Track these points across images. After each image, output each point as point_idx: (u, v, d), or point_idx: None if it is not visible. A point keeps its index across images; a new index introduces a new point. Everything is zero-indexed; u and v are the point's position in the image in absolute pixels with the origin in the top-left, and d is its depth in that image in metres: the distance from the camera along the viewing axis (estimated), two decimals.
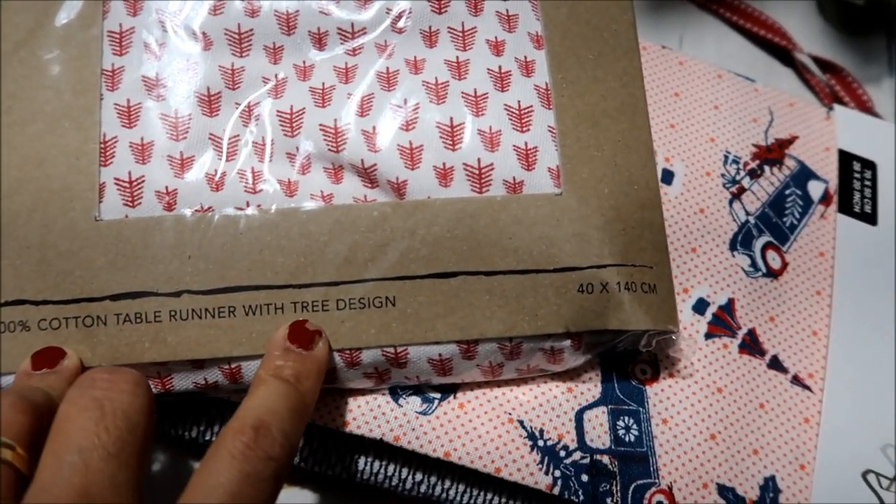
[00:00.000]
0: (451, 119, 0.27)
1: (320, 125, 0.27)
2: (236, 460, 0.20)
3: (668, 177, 0.32)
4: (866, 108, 0.39)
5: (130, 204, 0.27)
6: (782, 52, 0.41)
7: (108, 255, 0.26)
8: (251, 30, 0.28)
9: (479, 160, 0.27)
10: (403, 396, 0.29)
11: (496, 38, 0.28)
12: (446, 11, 0.29)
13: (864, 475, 0.30)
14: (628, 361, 0.30)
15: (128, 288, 0.26)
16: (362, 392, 0.29)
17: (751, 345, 0.31)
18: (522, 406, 0.29)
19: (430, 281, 0.26)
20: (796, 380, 0.31)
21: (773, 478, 0.29)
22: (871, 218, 0.34)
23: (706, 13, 0.42)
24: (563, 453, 0.28)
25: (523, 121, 0.28)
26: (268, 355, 0.24)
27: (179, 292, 0.26)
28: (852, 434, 0.30)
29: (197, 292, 0.26)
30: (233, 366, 0.26)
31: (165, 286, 0.26)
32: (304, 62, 0.28)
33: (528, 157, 0.27)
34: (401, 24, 0.29)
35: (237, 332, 0.26)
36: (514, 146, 0.27)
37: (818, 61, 0.40)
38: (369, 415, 0.28)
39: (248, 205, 0.27)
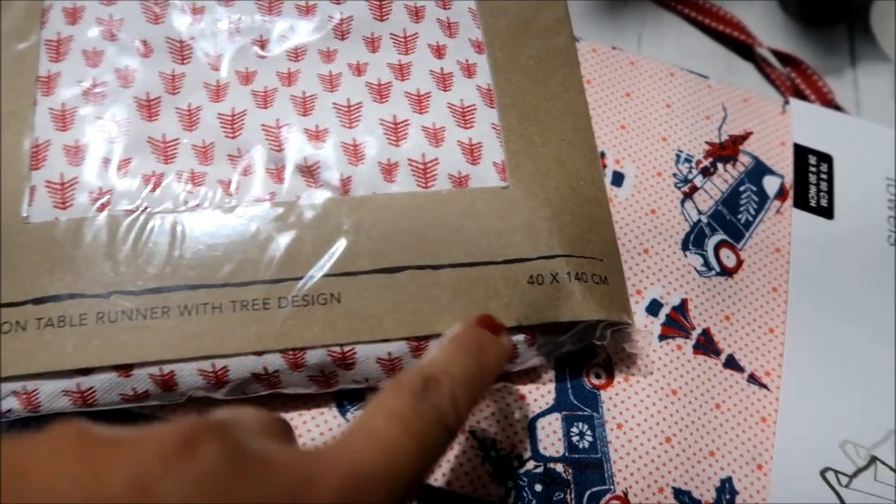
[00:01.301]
0: (395, 116, 0.27)
1: (262, 125, 0.27)
2: (406, 396, 0.18)
3: (618, 179, 0.33)
4: (827, 99, 0.40)
5: (61, 206, 0.26)
6: (742, 47, 0.42)
7: (35, 258, 0.25)
8: (192, 37, 0.28)
9: (423, 155, 0.27)
10: (351, 410, 0.27)
11: (438, 42, 0.29)
12: (388, 19, 0.29)
13: (823, 473, 0.30)
14: (582, 366, 0.29)
15: (53, 291, 0.24)
16: (307, 406, 0.27)
17: (705, 345, 0.31)
18: (474, 416, 0.28)
19: (377, 276, 0.26)
20: (753, 378, 0.31)
21: (729, 479, 0.29)
22: (827, 212, 0.34)
23: (665, 10, 0.43)
24: (515, 463, 0.27)
25: (466, 118, 0.28)
26: (448, 331, 0.22)
27: (109, 293, 0.24)
28: (810, 432, 0.30)
29: (128, 293, 0.24)
30: (164, 371, 0.24)
31: (94, 287, 0.24)
32: (246, 68, 0.28)
33: (472, 152, 0.27)
34: (343, 29, 0.29)
35: (170, 333, 0.24)
36: (459, 141, 0.27)
37: (778, 55, 0.42)
38: (315, 431, 0.27)
39: (185, 204, 0.26)
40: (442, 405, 0.19)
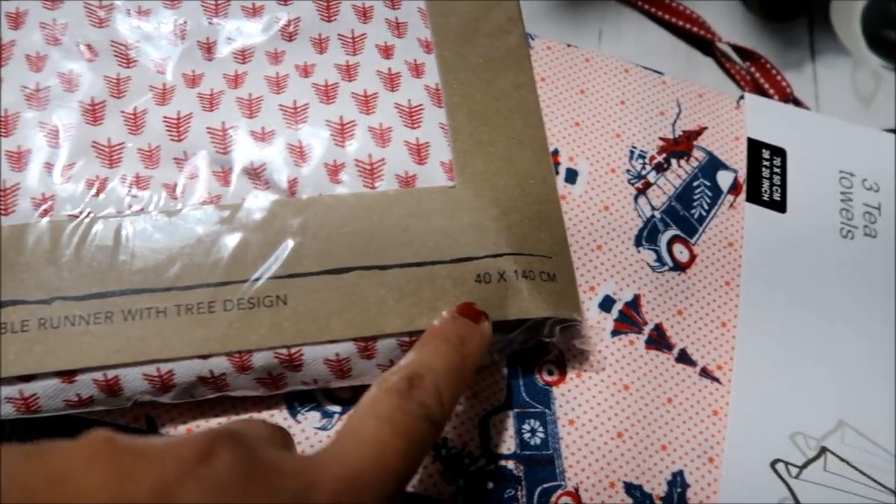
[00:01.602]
0: (341, 117, 0.28)
1: (208, 128, 0.27)
2: (393, 396, 0.20)
3: (572, 176, 0.33)
4: (786, 94, 0.41)
5: (3, 212, 0.25)
6: (703, 43, 0.43)
7: None
8: (138, 41, 0.28)
9: (370, 156, 0.27)
10: (302, 412, 0.28)
11: (385, 42, 0.29)
12: (336, 19, 0.29)
13: (773, 464, 0.30)
14: (535, 363, 0.30)
15: None
16: (257, 408, 0.27)
17: (658, 340, 0.31)
18: None
19: (324, 277, 0.26)
20: (705, 372, 0.31)
21: (681, 472, 0.29)
22: (780, 205, 0.34)
23: (625, 6, 0.43)
24: (466, 461, 0.28)
25: (414, 118, 0.28)
26: (431, 325, 0.24)
27: (51, 299, 0.24)
28: (761, 424, 0.30)
29: (71, 298, 0.24)
30: (109, 376, 0.24)
31: (36, 293, 0.24)
32: (192, 71, 0.28)
33: (419, 152, 0.28)
34: (290, 31, 0.29)
35: (114, 338, 0.24)
36: (406, 142, 0.28)
37: (737, 50, 0.42)
38: None
39: (129, 208, 0.26)
40: (427, 401, 0.20)
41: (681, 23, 0.43)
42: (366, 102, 0.28)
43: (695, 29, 0.43)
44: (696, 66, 0.43)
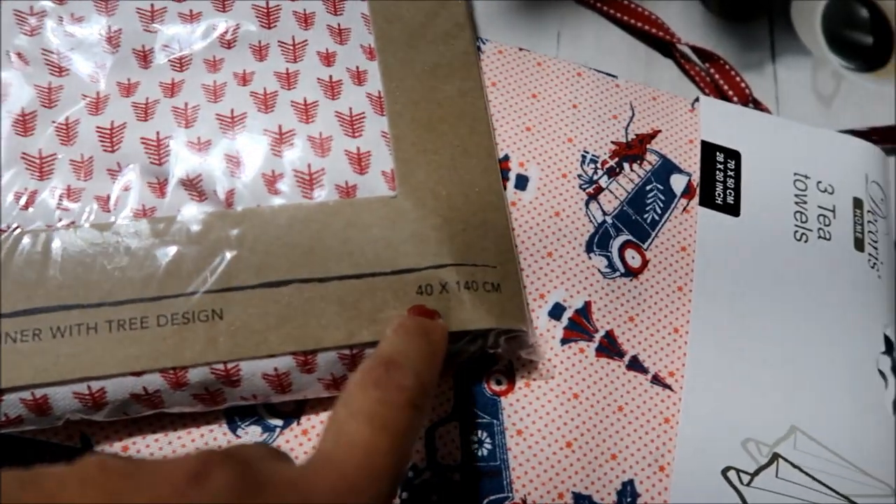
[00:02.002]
0: (280, 127, 0.27)
1: (142, 139, 0.27)
2: (370, 389, 0.20)
3: (522, 182, 0.33)
4: (745, 95, 0.41)
5: None
6: (662, 44, 0.43)
7: None
8: (71, 49, 0.28)
9: (309, 166, 0.27)
10: (242, 426, 0.27)
11: (327, 49, 0.29)
12: (276, 26, 0.29)
13: (724, 472, 0.30)
14: (483, 373, 0.29)
15: None
16: (196, 423, 0.27)
17: (609, 347, 0.31)
18: None
19: (261, 291, 0.25)
20: (656, 379, 0.31)
21: (631, 482, 0.29)
22: (733, 209, 0.34)
23: (584, 8, 0.43)
24: (411, 474, 0.27)
25: (355, 127, 0.28)
26: (390, 325, 0.24)
27: None
28: (712, 431, 0.30)
29: None
30: (37, 395, 0.24)
31: None
32: (128, 79, 0.28)
33: (360, 162, 0.27)
34: (229, 38, 0.29)
35: (43, 356, 0.24)
36: (346, 151, 0.27)
37: (697, 51, 0.42)
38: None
39: (59, 221, 0.25)
40: (406, 383, 0.20)
41: (640, 24, 0.43)
42: (305, 111, 0.27)
43: (654, 30, 0.43)
44: (655, 67, 0.43)
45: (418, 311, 0.25)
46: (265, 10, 0.29)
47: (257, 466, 0.17)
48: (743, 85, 0.41)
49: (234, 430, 0.27)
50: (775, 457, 0.31)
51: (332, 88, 0.28)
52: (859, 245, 0.35)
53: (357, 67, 0.29)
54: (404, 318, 0.24)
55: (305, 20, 0.29)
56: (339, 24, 0.29)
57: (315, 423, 0.27)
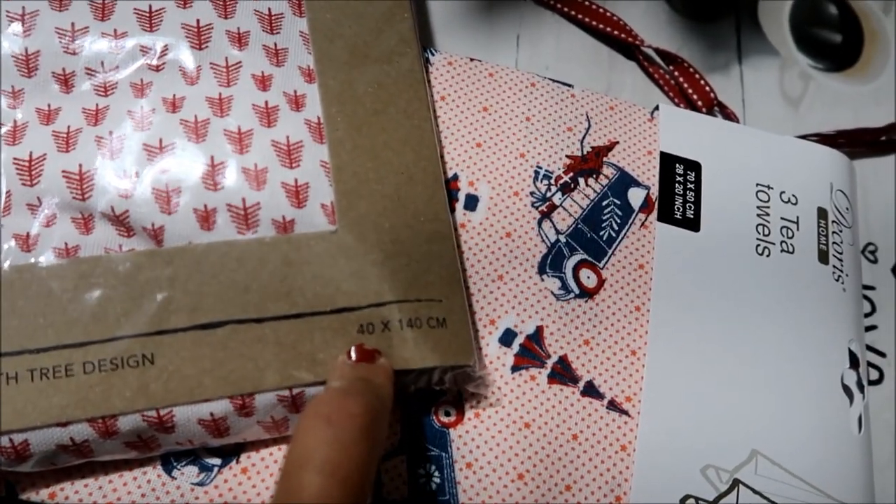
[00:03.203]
0: (212, 158, 0.26)
1: (63, 171, 0.26)
2: (320, 430, 0.20)
3: (472, 202, 0.32)
4: (710, 99, 0.40)
5: None
6: (625, 47, 0.42)
7: None
8: None
9: (243, 200, 0.26)
10: (178, 467, 0.27)
11: (263, 72, 0.28)
12: (207, 47, 0.28)
13: (683, 501, 0.30)
14: (431, 404, 0.29)
15: None
16: (129, 466, 0.26)
17: (562, 373, 0.31)
18: None
19: (194, 333, 0.25)
20: (613, 405, 0.31)
21: None
22: (693, 224, 0.34)
23: (543, 10, 0.42)
24: None
25: (292, 157, 0.27)
26: (331, 373, 0.25)
27: None
28: (670, 458, 0.30)
29: None
30: None
31: None
32: (48, 105, 0.27)
33: (298, 195, 0.26)
34: (157, 61, 0.27)
35: None
36: (283, 183, 0.26)
37: (661, 53, 0.41)
38: (136, 493, 0.26)
39: None
40: (356, 409, 0.21)
41: (602, 26, 0.42)
42: (239, 140, 0.27)
43: (616, 32, 0.42)
44: (618, 71, 0.42)
45: (358, 353, 0.25)
46: (195, 30, 0.28)
47: None
48: (707, 89, 0.41)
49: (168, 472, 0.26)
50: (736, 483, 0.31)
51: (268, 115, 0.27)
52: (823, 258, 0.35)
53: (295, 91, 0.28)
54: (344, 370, 0.24)
55: (239, 40, 0.28)
56: (275, 44, 0.28)
57: (255, 461, 0.27)
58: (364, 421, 0.21)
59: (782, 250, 0.35)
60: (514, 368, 0.30)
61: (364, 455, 0.20)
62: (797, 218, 0.36)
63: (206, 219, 0.26)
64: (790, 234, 0.35)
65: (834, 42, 0.46)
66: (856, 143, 0.42)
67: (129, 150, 0.26)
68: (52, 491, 0.26)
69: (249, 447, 0.27)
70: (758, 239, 0.35)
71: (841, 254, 0.36)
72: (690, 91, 0.41)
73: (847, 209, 0.37)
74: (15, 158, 0.26)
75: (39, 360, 0.24)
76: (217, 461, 0.27)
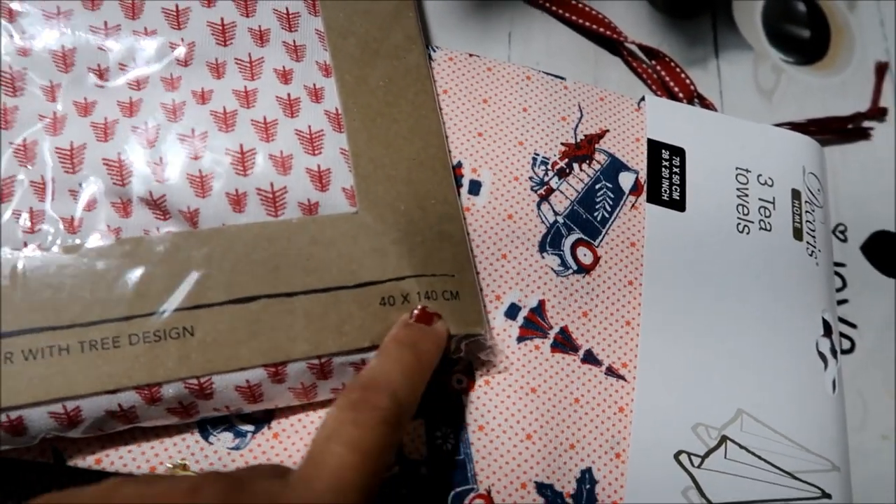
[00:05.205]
0: (241, 146, 0.29)
1: (104, 159, 0.28)
2: (346, 411, 0.23)
3: (475, 187, 0.35)
4: (690, 91, 0.44)
5: None
6: (610, 43, 0.46)
7: None
8: (24, 69, 0.29)
9: (271, 184, 0.29)
10: (214, 433, 0.29)
11: (284, 67, 0.31)
12: (232, 44, 0.30)
13: (677, 456, 0.33)
14: (444, 373, 0.32)
15: None
16: (168, 433, 0.29)
17: (563, 342, 0.34)
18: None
19: (230, 307, 0.27)
20: (610, 371, 0.34)
21: (589, 469, 0.32)
22: (679, 204, 0.37)
23: (533, 9, 0.46)
24: None
25: (315, 144, 0.29)
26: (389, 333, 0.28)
27: None
28: (664, 417, 0.33)
29: None
30: (13, 417, 0.25)
31: None
32: (84, 98, 0.29)
33: (321, 179, 0.29)
34: (185, 56, 0.30)
35: (15, 379, 0.25)
36: (307, 169, 0.29)
37: (643, 49, 0.45)
38: (177, 457, 0.28)
39: (25, 245, 0.27)
40: (381, 404, 0.23)
41: (588, 24, 0.45)
42: (266, 129, 0.29)
43: (602, 29, 0.45)
44: (604, 65, 0.46)
45: (420, 316, 0.28)
46: (220, 28, 0.31)
47: (245, 485, 0.20)
48: (688, 81, 0.44)
49: (206, 438, 0.29)
50: (724, 439, 0.34)
51: (291, 106, 0.30)
52: (798, 234, 0.39)
53: (314, 84, 0.31)
54: (400, 327, 0.28)
55: (261, 37, 0.31)
56: (294, 41, 0.31)
57: (285, 427, 0.30)
58: (385, 414, 0.23)
59: (760, 228, 0.38)
60: (520, 339, 0.33)
61: (383, 437, 0.23)
62: (773, 198, 0.39)
63: (237, 202, 0.28)
64: (767, 213, 0.39)
65: (803, 37, 0.50)
66: (825, 131, 0.46)
67: (163, 139, 0.29)
68: (97, 457, 0.28)
69: (279, 414, 0.30)
70: (738, 218, 0.38)
71: (814, 231, 0.40)
72: (672, 83, 0.44)
73: (819, 190, 0.41)
74: (57, 148, 0.28)
75: (89, 333, 0.26)
76: (250, 427, 0.29)
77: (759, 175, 0.40)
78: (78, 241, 0.27)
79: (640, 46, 0.45)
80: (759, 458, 0.34)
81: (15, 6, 0.29)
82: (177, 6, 0.30)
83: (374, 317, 0.28)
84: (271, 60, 0.31)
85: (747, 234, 0.38)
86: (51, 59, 0.29)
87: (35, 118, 0.28)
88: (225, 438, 0.29)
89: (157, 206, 0.28)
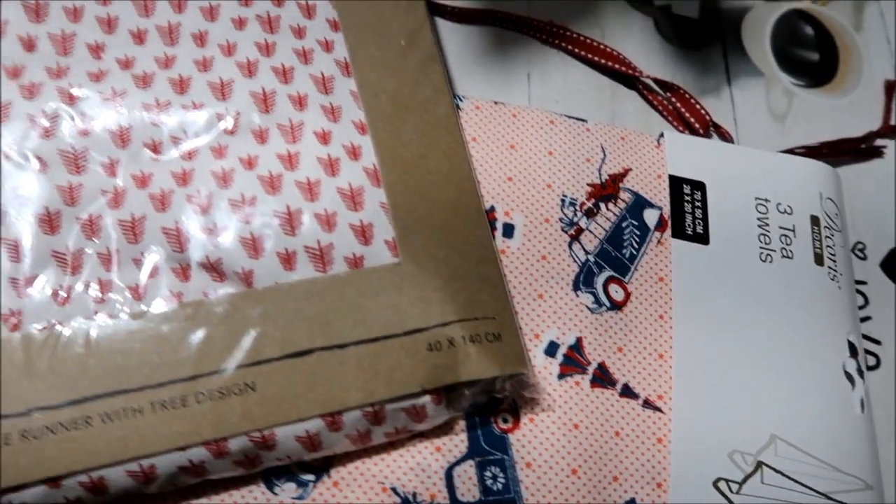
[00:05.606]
0: (288, 207, 0.31)
1: (163, 228, 0.30)
2: None
3: (509, 230, 0.37)
4: (705, 121, 0.45)
5: None
6: (625, 77, 0.47)
7: None
8: (85, 148, 0.31)
9: (318, 242, 0.30)
10: (279, 485, 0.31)
11: (323, 129, 0.33)
12: (273, 110, 0.33)
13: (715, 483, 0.34)
14: (491, 413, 0.33)
15: None
16: (236, 485, 0.30)
17: (602, 377, 0.35)
18: (394, 473, 0.32)
19: (287, 361, 0.29)
20: (647, 403, 0.35)
21: (633, 500, 0.33)
22: (703, 238, 0.39)
23: (550, 49, 0.48)
24: None
25: (356, 201, 0.31)
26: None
27: (29, 411, 0.27)
28: (701, 446, 0.35)
29: (48, 408, 0.27)
30: (94, 477, 0.27)
31: (15, 407, 0.27)
32: (141, 171, 0.31)
33: (364, 234, 0.31)
34: (232, 126, 0.32)
35: (95, 441, 0.27)
36: (350, 225, 0.31)
37: (658, 82, 0.47)
38: None
39: (96, 314, 0.29)
40: None
41: (603, 61, 0.47)
42: (309, 190, 0.31)
43: (617, 66, 0.47)
44: (620, 99, 0.48)
45: None
46: (262, 96, 0.33)
47: None
48: (703, 111, 0.46)
49: (271, 489, 0.30)
50: (759, 465, 0.35)
51: (332, 166, 0.32)
52: (819, 260, 0.40)
53: (352, 143, 0.33)
54: None
55: (300, 102, 0.33)
56: (331, 104, 0.33)
57: (344, 475, 0.31)
58: None
59: (783, 256, 0.40)
60: (560, 376, 0.35)
61: None
62: (793, 226, 0.41)
63: (287, 260, 0.30)
64: (788, 241, 0.40)
65: (812, 60, 0.52)
66: (839, 153, 0.48)
67: (216, 206, 0.31)
68: None
69: (337, 462, 0.31)
70: (760, 247, 0.40)
71: (834, 255, 0.41)
72: (687, 114, 0.46)
73: (836, 214, 0.43)
74: (119, 220, 0.30)
75: (159, 394, 0.28)
76: (311, 477, 0.31)
77: (779, 204, 0.41)
78: (144, 308, 0.29)
79: (655, 80, 0.47)
80: (795, 481, 0.35)
81: (75, 91, 0.31)
82: (220, 79, 0.33)
83: (422, 363, 0.30)
84: (311, 124, 0.33)
85: (770, 262, 0.39)
86: (109, 137, 0.31)
87: (98, 193, 0.30)
88: (288, 489, 0.31)
89: (214, 269, 0.30)
